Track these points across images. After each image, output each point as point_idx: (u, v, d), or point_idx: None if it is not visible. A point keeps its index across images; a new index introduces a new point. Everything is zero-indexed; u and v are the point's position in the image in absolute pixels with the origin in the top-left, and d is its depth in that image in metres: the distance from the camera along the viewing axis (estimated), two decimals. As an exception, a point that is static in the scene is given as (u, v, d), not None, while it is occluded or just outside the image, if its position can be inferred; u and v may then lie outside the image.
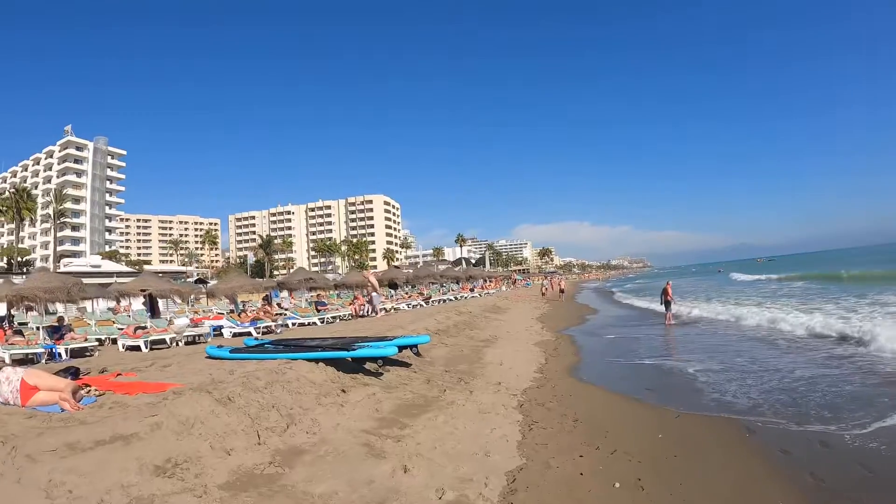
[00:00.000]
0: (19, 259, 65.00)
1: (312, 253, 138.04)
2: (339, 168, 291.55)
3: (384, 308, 23.56)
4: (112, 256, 76.50)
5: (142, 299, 29.78)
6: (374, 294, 21.09)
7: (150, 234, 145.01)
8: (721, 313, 21.41)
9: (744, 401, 7.95)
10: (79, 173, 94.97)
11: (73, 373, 9.19)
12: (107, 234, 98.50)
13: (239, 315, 18.61)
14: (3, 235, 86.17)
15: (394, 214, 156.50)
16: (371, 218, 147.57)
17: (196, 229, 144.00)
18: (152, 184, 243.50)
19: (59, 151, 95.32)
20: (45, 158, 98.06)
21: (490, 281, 51.37)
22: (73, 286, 14.64)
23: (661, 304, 20.47)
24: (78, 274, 51.55)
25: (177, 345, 15.93)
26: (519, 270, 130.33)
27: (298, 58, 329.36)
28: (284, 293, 28.78)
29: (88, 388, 7.45)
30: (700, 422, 7.04)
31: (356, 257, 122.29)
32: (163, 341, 16.04)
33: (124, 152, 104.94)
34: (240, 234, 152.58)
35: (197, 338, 16.46)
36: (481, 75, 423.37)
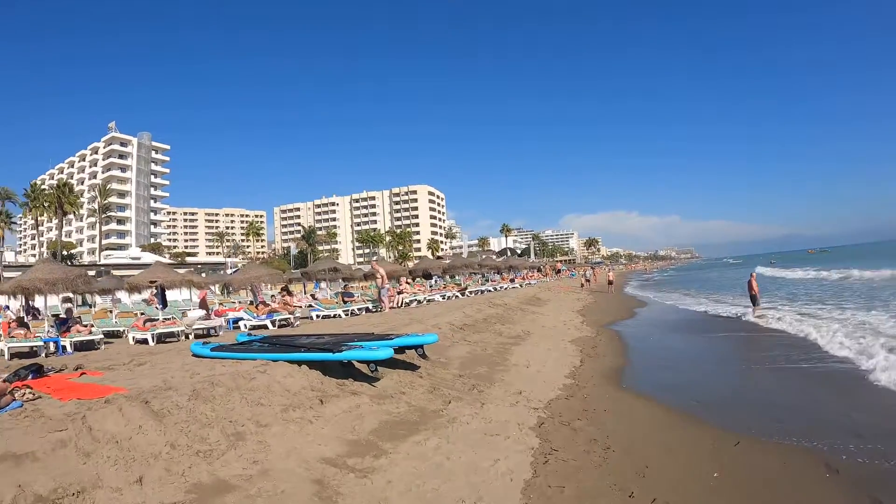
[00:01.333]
0: (64, 252, 66.91)
1: (357, 244, 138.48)
2: (384, 159, 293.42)
3: (400, 303, 22.23)
4: (155, 249, 78.04)
5: (183, 290, 29.49)
6: (382, 288, 19.66)
7: (196, 226, 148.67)
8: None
9: (825, 426, 6.11)
10: (123, 168, 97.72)
11: (36, 371, 8.22)
12: (152, 227, 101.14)
13: (256, 307, 17.57)
14: (51, 230, 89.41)
15: (438, 205, 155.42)
16: (416, 208, 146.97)
17: (242, 222, 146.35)
18: (200, 179, 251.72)
19: (104, 147, 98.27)
20: (91, 155, 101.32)
21: (532, 271, 49.32)
22: (78, 277, 13.81)
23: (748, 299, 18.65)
24: (116, 266, 52.71)
25: (186, 338, 15.02)
26: (564, 261, 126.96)
27: (343, 57, 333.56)
28: (324, 284, 27.75)
29: (24, 391, 6.33)
30: (766, 452, 5.29)
31: (400, 248, 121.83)
32: (173, 334, 15.18)
33: (168, 147, 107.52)
34: (285, 226, 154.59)
35: (210, 331, 15.49)
36: (527, 69, 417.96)
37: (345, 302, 21.20)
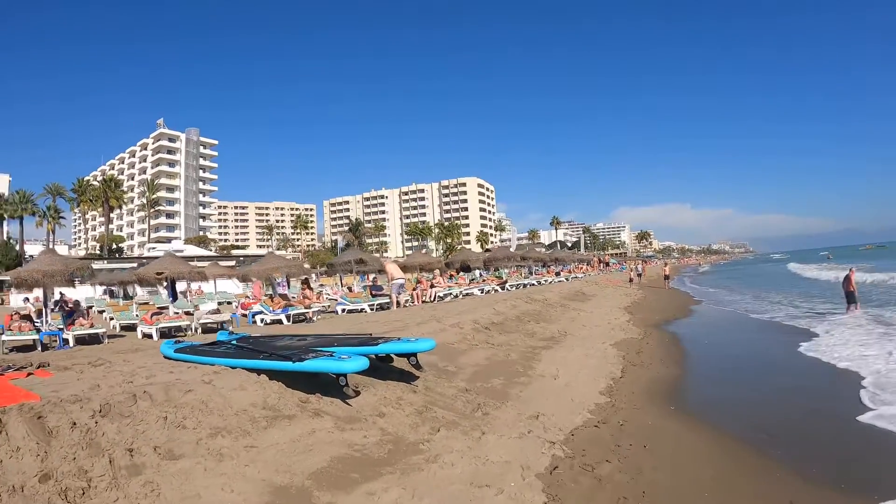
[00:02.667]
0: (110, 246, 68.82)
1: (406, 236, 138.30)
2: (433, 153, 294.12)
3: (433, 297, 20.76)
4: (201, 241, 79.39)
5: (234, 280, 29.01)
6: (394, 283, 18.11)
7: (247, 220, 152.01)
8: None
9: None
10: (171, 163, 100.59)
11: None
12: (200, 220, 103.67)
13: (272, 300, 16.45)
14: (103, 224, 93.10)
15: (488, 197, 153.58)
16: (465, 201, 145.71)
17: (292, 215, 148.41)
18: (252, 174, 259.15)
19: (153, 143, 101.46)
20: (140, 151, 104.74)
21: (581, 264, 46.82)
22: (78, 269, 13.04)
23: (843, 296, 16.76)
24: (157, 258, 53.46)
25: (195, 332, 14.05)
26: (615, 254, 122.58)
27: (390, 56, 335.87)
28: (374, 275, 26.57)
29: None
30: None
31: (448, 240, 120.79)
32: (180, 329, 14.22)
33: (216, 142, 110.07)
34: (334, 219, 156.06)
35: (221, 325, 14.45)
36: (579, 62, 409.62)
37: (373, 296, 19.91)
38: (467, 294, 24.61)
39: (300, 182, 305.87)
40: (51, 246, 61.77)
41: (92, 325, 13.24)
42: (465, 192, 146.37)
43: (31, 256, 54.64)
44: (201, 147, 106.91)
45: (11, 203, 58.87)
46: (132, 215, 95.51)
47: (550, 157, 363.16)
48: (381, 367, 6.90)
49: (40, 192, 63.13)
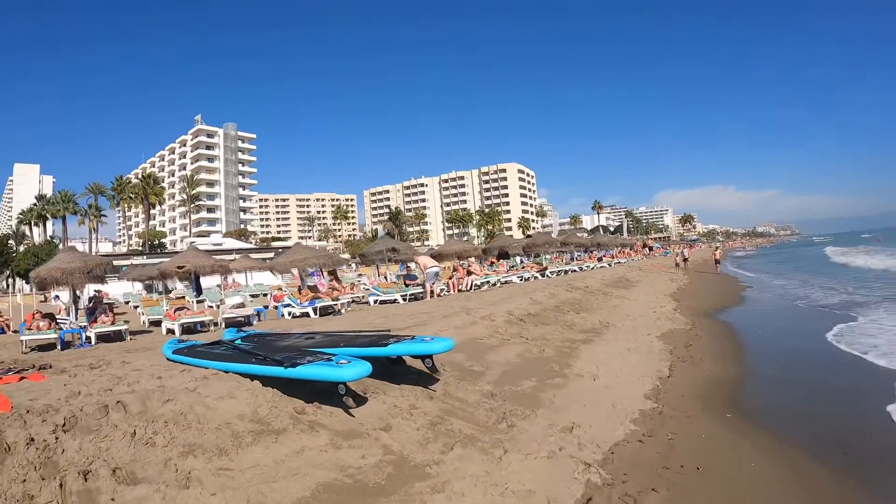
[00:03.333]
0: (150, 242, 70.54)
1: (447, 224, 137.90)
2: (473, 139, 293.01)
3: (470, 285, 19.96)
4: (241, 235, 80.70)
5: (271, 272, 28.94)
6: (428, 271, 17.35)
7: (288, 212, 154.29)
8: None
9: None
10: (210, 159, 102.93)
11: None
12: (241, 213, 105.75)
13: (300, 293, 15.98)
14: (147, 221, 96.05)
15: (528, 183, 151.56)
16: (505, 187, 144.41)
17: (333, 206, 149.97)
18: (293, 167, 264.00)
19: (192, 140, 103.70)
20: (180, 147, 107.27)
21: (624, 249, 45.00)
22: (98, 266, 12.81)
23: None
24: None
25: (215, 326, 13.72)
26: (658, 238, 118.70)
27: (429, 47, 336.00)
28: (413, 265, 26.05)
29: None
30: None
31: (489, 227, 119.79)
32: (203, 324, 13.90)
33: (254, 136, 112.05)
34: (374, 209, 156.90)
35: (247, 319, 14.07)
36: (619, 45, 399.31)
37: (406, 285, 19.28)
38: (506, 282, 23.74)
39: (341, 173, 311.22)
40: (93, 244, 63.89)
41: (113, 322, 13.00)
42: (505, 179, 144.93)
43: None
44: (239, 141, 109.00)
45: (53, 203, 61.06)
46: (174, 211, 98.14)
47: (592, 141, 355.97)
48: (395, 370, 6.18)
49: (82, 192, 65.38)
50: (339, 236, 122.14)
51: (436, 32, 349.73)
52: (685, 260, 34.95)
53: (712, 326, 12.41)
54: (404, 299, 17.80)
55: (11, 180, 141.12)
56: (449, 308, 12.05)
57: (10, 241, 66.90)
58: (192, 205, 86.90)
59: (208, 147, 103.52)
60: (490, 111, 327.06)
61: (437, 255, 22.97)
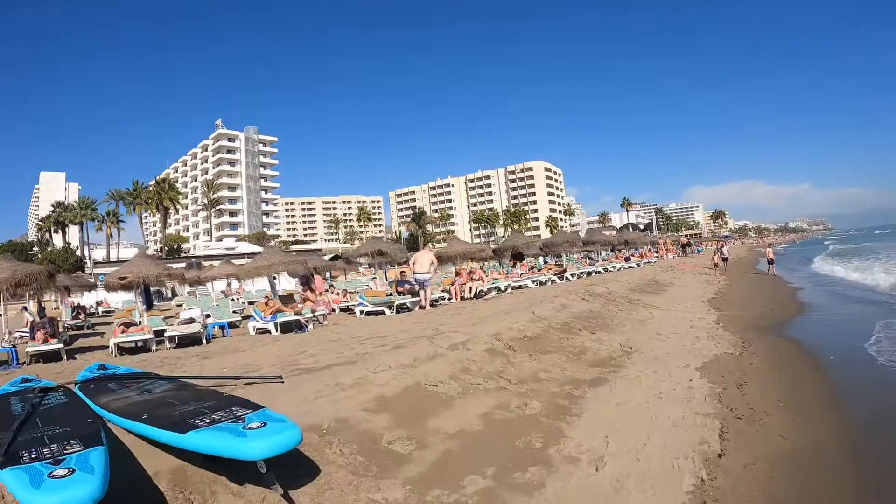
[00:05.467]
0: (170, 247, 69.94)
1: (473, 224, 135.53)
2: (499, 137, 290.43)
3: (474, 292, 17.22)
4: (261, 238, 79.51)
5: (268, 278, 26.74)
6: (416, 276, 14.71)
7: (314, 215, 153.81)
8: None
9: None
10: (232, 162, 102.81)
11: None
12: (264, 217, 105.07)
13: (267, 304, 13.51)
14: (169, 226, 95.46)
15: (556, 181, 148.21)
16: (532, 185, 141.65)
17: (359, 208, 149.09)
18: (319, 170, 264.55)
19: (213, 144, 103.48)
20: (201, 152, 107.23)
21: (653, 247, 41.22)
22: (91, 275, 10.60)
23: None
24: (207, 257, 52.87)
25: (167, 347, 11.41)
26: (690, 235, 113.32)
27: (455, 46, 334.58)
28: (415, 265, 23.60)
29: None
30: None
31: (516, 226, 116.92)
32: (145, 342, 11.61)
33: (275, 139, 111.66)
34: (401, 210, 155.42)
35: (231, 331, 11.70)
36: (646, 42, 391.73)
37: (398, 292, 16.68)
38: (519, 287, 20.96)
39: (367, 175, 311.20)
40: (111, 250, 63.26)
41: (45, 341, 11.04)
42: (531, 177, 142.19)
43: (94, 261, 56.25)
44: (260, 145, 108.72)
45: (71, 210, 60.96)
46: (196, 216, 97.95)
47: (620, 139, 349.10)
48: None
49: (103, 198, 65.17)
50: (363, 239, 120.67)
51: (457, 33, 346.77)
52: (725, 259, 30.74)
53: (771, 348, 9.40)
54: (391, 309, 15.23)
55: (38, 188, 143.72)
56: (418, 328, 9.32)
57: (34, 248, 67.05)
58: (213, 209, 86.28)
59: (229, 151, 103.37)
60: (518, 108, 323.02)
61: (438, 257, 20.28)
